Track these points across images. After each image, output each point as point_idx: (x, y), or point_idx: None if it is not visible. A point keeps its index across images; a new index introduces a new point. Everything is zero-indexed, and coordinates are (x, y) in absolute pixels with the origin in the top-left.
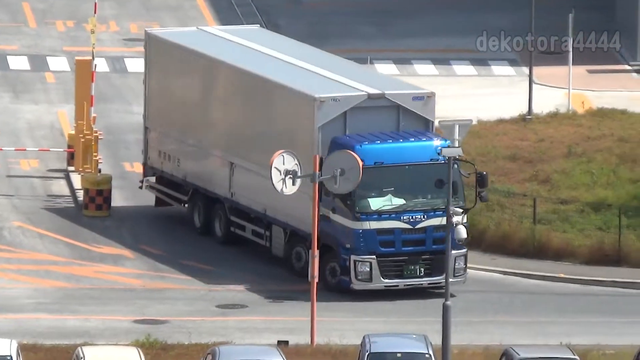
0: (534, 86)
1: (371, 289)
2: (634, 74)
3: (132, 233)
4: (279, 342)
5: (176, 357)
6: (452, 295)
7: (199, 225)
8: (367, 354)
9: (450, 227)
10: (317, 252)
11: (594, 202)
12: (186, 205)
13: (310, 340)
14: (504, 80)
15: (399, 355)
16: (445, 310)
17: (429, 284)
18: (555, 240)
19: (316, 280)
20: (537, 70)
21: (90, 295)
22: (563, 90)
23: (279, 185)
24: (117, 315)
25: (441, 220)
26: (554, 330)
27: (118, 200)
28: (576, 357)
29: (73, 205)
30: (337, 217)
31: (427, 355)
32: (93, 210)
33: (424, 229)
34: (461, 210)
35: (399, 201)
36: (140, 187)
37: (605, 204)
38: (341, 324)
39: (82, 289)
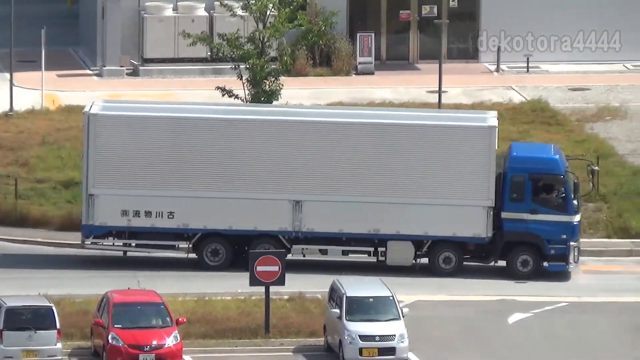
0: (15, 88)
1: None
2: (95, 77)
3: None
4: None
5: None
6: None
7: (218, 262)
8: None
9: None
10: None
11: (64, 181)
12: (188, 249)
13: None
14: None
15: None
16: None
17: None
18: (34, 212)
19: None
20: (17, 75)
21: None
22: (38, 91)
23: None
24: None
25: None
26: (35, 283)
27: None
28: (52, 304)
29: None
30: (542, 217)
31: None
32: None
33: None
34: None
35: None
36: (82, 246)
37: (74, 182)
38: None
39: None
